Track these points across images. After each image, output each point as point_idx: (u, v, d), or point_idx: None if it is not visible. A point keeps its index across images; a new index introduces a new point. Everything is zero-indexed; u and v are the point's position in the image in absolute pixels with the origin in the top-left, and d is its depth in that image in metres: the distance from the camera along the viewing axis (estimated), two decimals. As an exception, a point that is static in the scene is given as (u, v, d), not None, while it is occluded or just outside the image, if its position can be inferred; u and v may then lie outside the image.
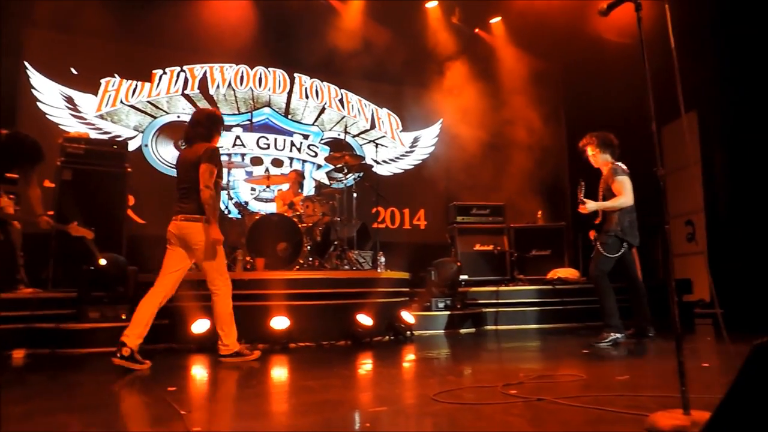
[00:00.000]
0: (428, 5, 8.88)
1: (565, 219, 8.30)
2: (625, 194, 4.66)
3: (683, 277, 7.11)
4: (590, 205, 4.67)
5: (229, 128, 8.11)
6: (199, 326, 4.67)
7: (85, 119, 7.36)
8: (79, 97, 7.36)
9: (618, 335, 4.57)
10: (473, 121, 8.80)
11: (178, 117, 7.93)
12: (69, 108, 7.28)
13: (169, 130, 7.85)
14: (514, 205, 8.32)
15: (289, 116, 8.67)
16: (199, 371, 3.89)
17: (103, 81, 7.52)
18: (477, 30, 9.49)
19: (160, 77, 7.90)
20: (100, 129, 7.43)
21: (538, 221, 8.17)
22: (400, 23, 8.76)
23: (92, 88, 7.46)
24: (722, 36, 6.84)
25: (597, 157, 4.92)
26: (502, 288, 6.85)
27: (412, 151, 9.47)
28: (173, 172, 7.81)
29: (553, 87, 9.81)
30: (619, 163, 4.86)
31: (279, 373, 3.80)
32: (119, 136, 7.40)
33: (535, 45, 9.21)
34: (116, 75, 7.61)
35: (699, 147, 7.27)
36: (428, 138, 9.57)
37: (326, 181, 8.60)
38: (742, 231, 6.58)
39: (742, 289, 6.14)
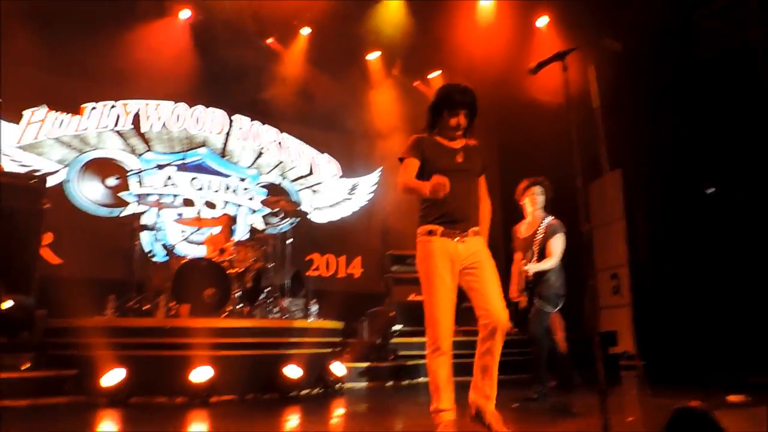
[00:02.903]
0: (369, 57, 9.07)
1: (498, 270, 8.41)
2: (558, 254, 4.59)
3: (610, 329, 7.28)
4: (531, 269, 4.48)
5: (161, 167, 7.84)
6: (111, 378, 4.31)
7: (3, 150, 6.91)
8: (-2, 126, 6.92)
9: (547, 391, 4.56)
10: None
11: (107, 153, 7.59)
12: (-14, 138, 6.82)
13: (95, 167, 7.47)
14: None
15: (226, 158, 8.48)
16: (107, 428, 3.55)
17: (27, 111, 7.13)
18: (416, 83, 9.73)
19: (90, 111, 7.57)
20: (20, 161, 6.98)
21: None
22: (342, 71, 8.88)
23: (14, 117, 7.04)
24: (647, 98, 7.26)
25: (541, 207, 4.71)
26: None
27: (350, 198, 9.44)
28: (97, 210, 7.52)
29: (487, 141, 10.14)
30: (557, 220, 4.82)
31: (196, 429, 3.53)
32: (39, 170, 6.98)
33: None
34: (43, 105, 7.24)
35: (622, 204, 7.61)
36: (367, 185, 9.59)
37: (261, 226, 8.42)
38: (663, 284, 6.87)
39: (663, 341, 6.37)
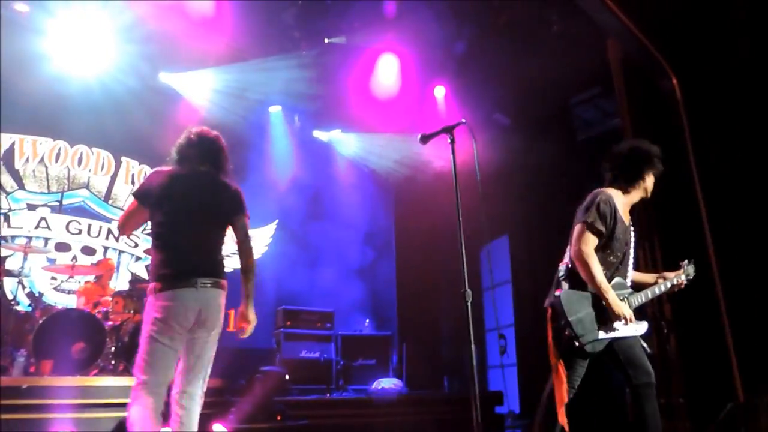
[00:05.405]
0: (270, 109, 9.10)
1: (391, 328, 8.46)
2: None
3: (497, 388, 7.49)
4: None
5: (34, 207, 7.18)
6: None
7: None
8: None
9: None
10: (306, 226, 8.90)
11: (-28, 189, 6.85)
12: None
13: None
14: (343, 312, 8.32)
15: (110, 201, 7.93)
16: None
17: None
18: (314, 133, 9.82)
19: (-46, 143, 6.85)
20: None
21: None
22: (242, 120, 8.78)
23: None
24: (534, 169, 7.82)
25: None
26: (327, 398, 6.59)
27: (243, 250, 9.13)
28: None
29: (386, 202, 10.38)
30: None
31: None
32: None
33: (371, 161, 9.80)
34: None
35: (510, 266, 8.04)
36: (263, 237, 9.36)
37: (145, 275, 7.88)
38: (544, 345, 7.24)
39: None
